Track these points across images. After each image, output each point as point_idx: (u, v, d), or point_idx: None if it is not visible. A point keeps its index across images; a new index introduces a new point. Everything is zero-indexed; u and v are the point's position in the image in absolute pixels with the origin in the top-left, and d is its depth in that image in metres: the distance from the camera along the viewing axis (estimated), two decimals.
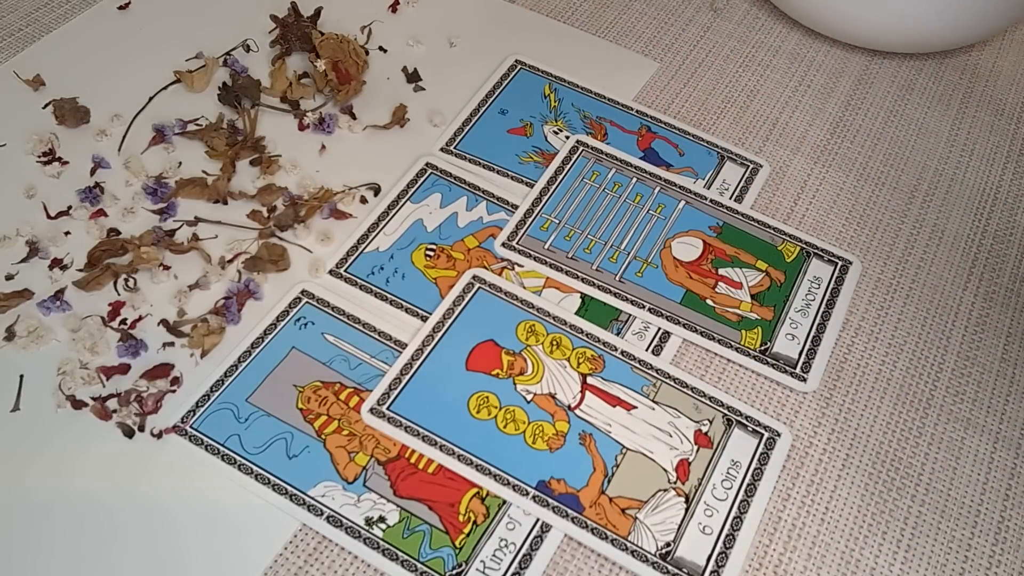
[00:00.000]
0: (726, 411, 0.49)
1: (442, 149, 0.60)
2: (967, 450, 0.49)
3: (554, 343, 0.51)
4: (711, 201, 0.58)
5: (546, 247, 0.55)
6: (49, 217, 0.54)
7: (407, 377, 0.48)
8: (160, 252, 0.52)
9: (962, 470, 0.48)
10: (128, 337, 0.49)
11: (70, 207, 0.54)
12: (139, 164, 0.57)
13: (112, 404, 0.46)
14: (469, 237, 0.55)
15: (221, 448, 0.46)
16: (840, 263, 0.56)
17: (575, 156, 0.60)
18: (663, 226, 0.57)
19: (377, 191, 0.57)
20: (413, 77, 0.64)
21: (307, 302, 0.51)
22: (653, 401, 0.49)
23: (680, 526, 0.45)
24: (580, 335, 0.51)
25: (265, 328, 0.50)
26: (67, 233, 0.53)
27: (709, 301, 0.53)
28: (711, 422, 0.48)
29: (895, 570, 0.45)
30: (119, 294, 0.51)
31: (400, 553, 0.43)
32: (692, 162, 0.60)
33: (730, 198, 0.59)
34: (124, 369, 0.48)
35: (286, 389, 0.48)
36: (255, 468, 0.45)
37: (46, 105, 0.59)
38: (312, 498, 0.44)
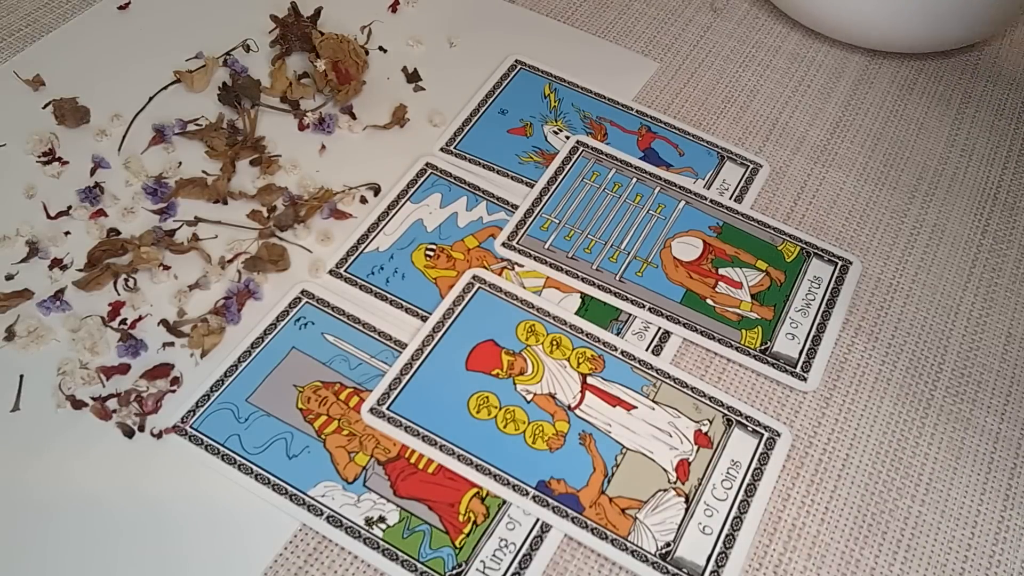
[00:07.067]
0: (726, 411, 0.49)
1: (442, 149, 0.60)
2: (967, 450, 0.49)
3: (554, 343, 0.51)
4: (711, 201, 0.58)
5: (546, 247, 0.55)
6: (49, 217, 0.54)
7: (407, 377, 0.48)
8: (160, 252, 0.52)
9: (962, 470, 0.48)
10: (128, 337, 0.49)
11: (70, 207, 0.54)
12: (139, 164, 0.57)
13: (112, 404, 0.46)
14: (469, 237, 0.55)
15: (221, 448, 0.46)
16: (840, 263, 0.56)
17: (575, 156, 0.60)
18: (663, 226, 0.57)
19: (377, 191, 0.57)
20: (413, 77, 0.64)
21: (307, 302, 0.51)
22: (653, 401, 0.49)
23: (680, 526, 0.45)
24: (580, 335, 0.51)
25: (265, 328, 0.50)
26: (67, 233, 0.53)
27: (709, 301, 0.53)
28: (711, 422, 0.48)
29: (895, 570, 0.45)
30: (119, 294, 0.51)
31: (400, 553, 0.43)
32: (692, 162, 0.60)
33: (730, 198, 0.59)
34: (124, 369, 0.48)
35: (286, 389, 0.48)
36: (255, 468, 0.45)
37: (46, 105, 0.59)
38: (312, 498, 0.44)
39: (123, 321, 0.50)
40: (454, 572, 0.43)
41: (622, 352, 0.51)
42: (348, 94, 0.61)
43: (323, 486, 0.45)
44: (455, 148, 0.60)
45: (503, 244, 0.55)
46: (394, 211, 0.56)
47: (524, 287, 0.53)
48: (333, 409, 0.47)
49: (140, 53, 0.64)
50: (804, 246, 0.56)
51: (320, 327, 0.50)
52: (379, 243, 0.54)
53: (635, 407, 0.49)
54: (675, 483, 0.46)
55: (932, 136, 0.64)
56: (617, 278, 0.54)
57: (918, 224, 0.59)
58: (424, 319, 0.51)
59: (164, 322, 0.50)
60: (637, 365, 0.50)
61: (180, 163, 0.57)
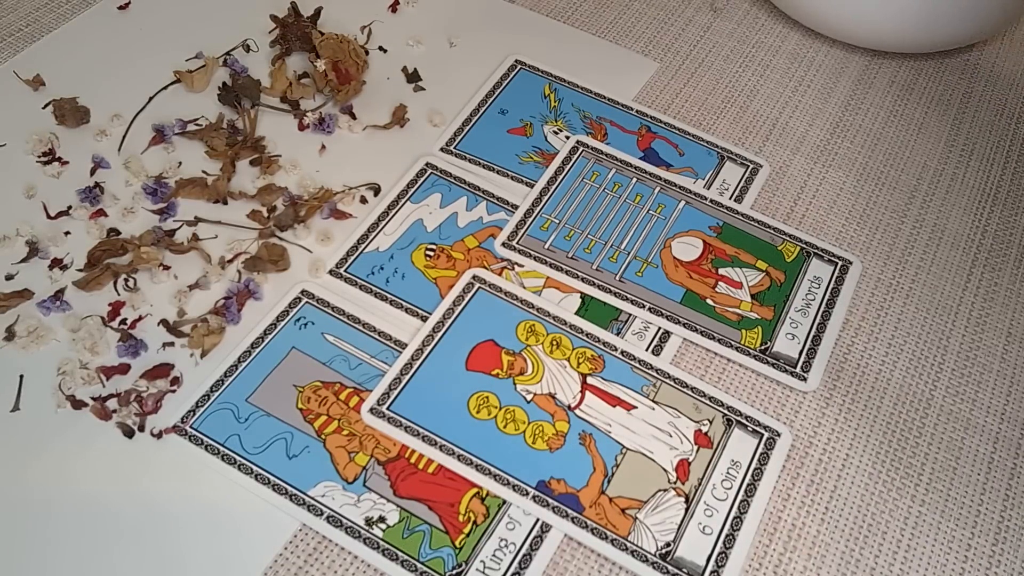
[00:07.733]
0: (726, 411, 0.49)
1: (442, 149, 0.60)
2: (967, 450, 0.49)
3: (554, 343, 0.51)
4: (711, 201, 0.58)
5: (546, 247, 0.55)
6: (49, 217, 0.54)
7: (407, 377, 0.48)
8: (160, 252, 0.52)
9: (962, 470, 0.48)
10: (128, 337, 0.49)
11: (70, 207, 0.54)
12: (139, 164, 0.57)
13: (112, 404, 0.47)
14: (469, 237, 0.55)
15: (221, 448, 0.46)
16: (840, 263, 0.56)
17: (575, 156, 0.60)
18: (663, 226, 0.57)
19: (377, 191, 0.57)
20: (413, 77, 0.64)
21: (307, 302, 0.51)
22: (653, 401, 0.49)
23: (680, 526, 0.45)
24: (580, 335, 0.51)
25: (265, 328, 0.50)
26: (67, 233, 0.53)
27: (709, 301, 0.53)
28: (711, 422, 0.48)
29: (895, 570, 0.45)
30: (119, 294, 0.51)
31: (400, 553, 0.43)
32: (692, 162, 0.60)
33: (730, 198, 0.59)
34: (124, 369, 0.48)
35: (286, 389, 0.48)
36: (255, 468, 0.45)
37: (46, 105, 0.59)
38: (312, 498, 0.44)
39: (123, 321, 0.50)
40: (454, 572, 0.43)
41: (622, 352, 0.51)
42: (348, 94, 0.61)
43: (323, 486, 0.45)
44: (455, 148, 0.60)
45: (503, 244, 0.55)
46: (394, 211, 0.56)
47: (524, 287, 0.53)
48: (333, 409, 0.47)
49: (140, 53, 0.64)
50: (804, 246, 0.56)
51: (320, 327, 0.50)
52: (379, 243, 0.54)
53: (635, 407, 0.49)
54: (675, 483, 0.46)
55: (932, 136, 0.64)
56: (617, 278, 0.54)
57: (918, 224, 0.59)
58: (424, 319, 0.51)
59: (164, 322, 0.50)
60: (637, 365, 0.50)
61: (180, 163, 0.57)
